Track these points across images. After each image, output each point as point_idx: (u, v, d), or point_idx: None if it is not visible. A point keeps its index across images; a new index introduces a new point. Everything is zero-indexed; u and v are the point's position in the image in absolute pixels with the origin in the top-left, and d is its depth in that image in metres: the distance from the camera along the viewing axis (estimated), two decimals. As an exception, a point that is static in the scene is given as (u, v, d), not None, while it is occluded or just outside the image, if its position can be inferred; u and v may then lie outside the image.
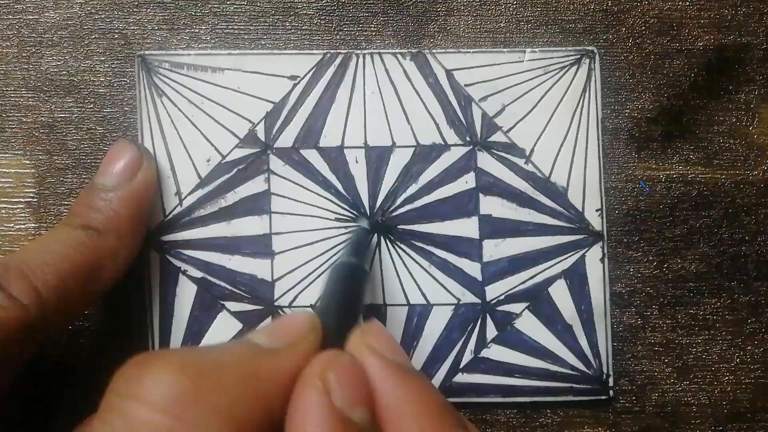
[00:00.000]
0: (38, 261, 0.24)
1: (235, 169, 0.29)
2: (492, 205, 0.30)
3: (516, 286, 0.29)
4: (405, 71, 0.30)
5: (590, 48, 0.30)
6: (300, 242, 0.29)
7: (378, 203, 0.30)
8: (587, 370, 0.29)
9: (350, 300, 0.24)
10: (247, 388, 0.19)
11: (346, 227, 0.29)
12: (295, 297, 0.29)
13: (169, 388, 0.18)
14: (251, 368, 0.19)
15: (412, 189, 0.30)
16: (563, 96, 0.30)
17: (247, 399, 0.19)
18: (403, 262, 0.29)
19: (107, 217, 0.26)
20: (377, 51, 0.30)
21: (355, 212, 0.29)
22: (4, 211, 0.30)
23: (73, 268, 0.25)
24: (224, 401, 0.18)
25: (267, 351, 0.20)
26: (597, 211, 0.30)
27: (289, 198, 0.29)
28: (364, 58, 0.30)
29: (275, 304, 0.29)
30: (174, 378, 0.18)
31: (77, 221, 0.26)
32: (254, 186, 0.29)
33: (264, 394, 0.19)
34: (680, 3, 0.30)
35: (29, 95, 0.30)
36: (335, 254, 0.29)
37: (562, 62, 0.30)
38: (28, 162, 0.30)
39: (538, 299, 0.30)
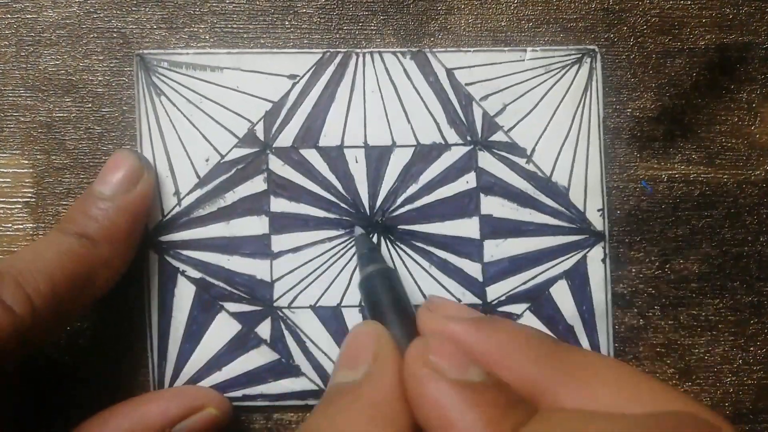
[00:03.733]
0: (31, 269, 0.24)
1: (234, 169, 0.29)
2: (493, 205, 0.29)
3: (517, 287, 0.29)
4: (405, 70, 0.29)
5: (591, 47, 0.30)
6: (299, 242, 0.29)
7: (378, 203, 0.29)
8: (589, 371, 0.29)
9: (403, 303, 0.24)
10: (380, 423, 0.20)
11: (345, 228, 0.29)
12: (295, 298, 0.29)
13: None
14: (367, 413, 0.20)
15: (413, 189, 0.29)
16: (564, 95, 0.30)
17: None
18: (404, 262, 0.29)
19: (103, 227, 0.26)
20: (377, 50, 0.30)
21: (354, 211, 0.29)
22: (2, 211, 0.29)
23: (66, 276, 0.25)
24: None
25: (362, 386, 0.21)
26: (599, 211, 0.30)
27: (288, 198, 0.29)
28: (363, 57, 0.29)
29: (274, 304, 0.29)
30: None
31: (72, 228, 0.26)
32: (253, 186, 0.29)
33: (394, 420, 0.20)
34: (682, 2, 0.30)
35: (27, 94, 0.30)
36: (335, 254, 0.29)
37: (564, 61, 0.30)
38: (26, 162, 0.30)
39: (539, 300, 0.29)
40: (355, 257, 0.29)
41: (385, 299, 0.25)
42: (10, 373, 0.25)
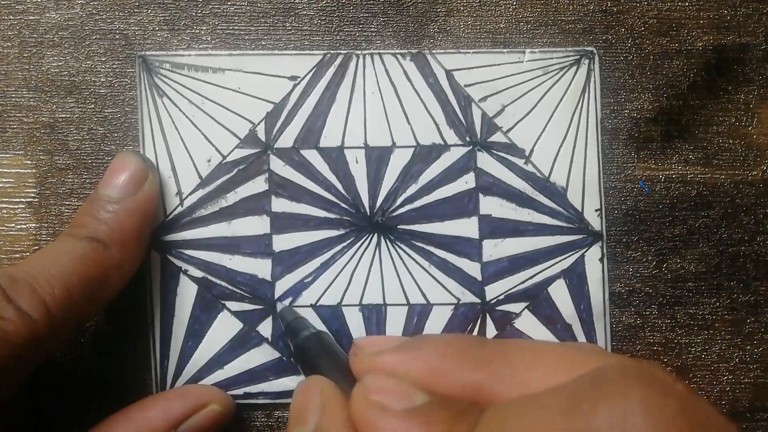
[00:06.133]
0: (45, 274, 0.24)
1: (236, 170, 0.29)
2: (492, 205, 0.30)
3: (515, 286, 0.30)
4: (405, 71, 0.30)
5: (590, 48, 0.30)
6: (300, 242, 0.29)
7: (378, 203, 0.30)
8: (586, 370, 0.29)
9: (340, 358, 0.25)
10: None
11: (346, 228, 0.30)
12: (296, 297, 0.29)
13: None
14: None
15: (412, 189, 0.30)
16: (563, 96, 0.30)
17: None
18: (403, 262, 0.29)
19: (113, 230, 0.26)
20: (377, 51, 0.30)
21: (354, 211, 0.30)
22: (5, 211, 0.30)
23: (80, 280, 0.25)
24: None
25: None
26: (596, 211, 0.30)
27: (289, 198, 0.29)
28: (364, 58, 0.30)
29: (275, 303, 0.29)
30: None
31: (82, 232, 0.26)
32: (255, 186, 0.29)
33: None
34: (679, 3, 0.31)
35: (30, 95, 0.30)
36: (335, 254, 0.29)
37: (562, 63, 0.30)
38: (29, 162, 0.30)
39: (537, 299, 0.30)
40: (355, 257, 0.29)
41: (323, 359, 0.25)
42: (23, 380, 0.25)
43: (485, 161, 0.30)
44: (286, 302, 0.29)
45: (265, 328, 0.29)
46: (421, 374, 0.21)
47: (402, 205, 0.30)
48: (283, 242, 0.29)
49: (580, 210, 0.30)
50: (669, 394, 0.16)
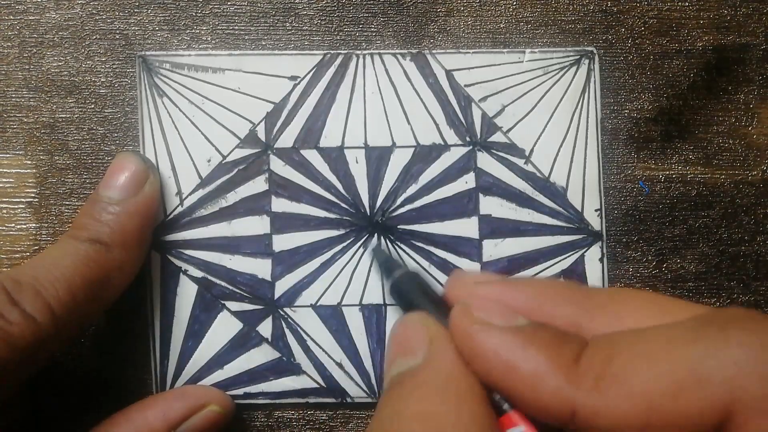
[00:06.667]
0: (49, 277, 0.24)
1: (236, 170, 0.29)
2: (492, 205, 0.30)
3: (515, 286, 0.30)
4: (405, 71, 0.30)
5: (590, 48, 0.30)
6: (300, 242, 0.29)
7: (378, 203, 0.30)
8: (586, 370, 0.29)
9: (436, 296, 0.24)
10: (453, 398, 0.19)
11: (346, 228, 0.30)
12: (296, 297, 0.29)
13: None
14: (438, 392, 0.19)
15: (412, 189, 0.30)
16: (563, 96, 0.30)
17: (468, 411, 0.19)
18: (403, 261, 0.29)
19: (115, 231, 0.26)
20: (377, 51, 0.30)
21: (354, 211, 0.30)
22: (5, 211, 0.30)
23: (83, 282, 0.25)
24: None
25: (425, 368, 0.20)
26: (596, 211, 0.30)
27: (289, 198, 0.29)
28: (364, 58, 0.30)
29: (275, 303, 0.29)
30: None
31: (84, 234, 0.26)
32: (254, 186, 0.29)
33: (465, 395, 0.19)
34: (679, 3, 0.31)
35: (30, 95, 0.30)
36: (335, 254, 0.29)
37: (562, 63, 0.30)
38: (29, 162, 0.30)
39: (537, 299, 0.30)
40: (355, 257, 0.29)
41: (419, 297, 0.24)
42: (24, 380, 0.25)
43: (485, 161, 0.30)
44: (374, 240, 0.29)
45: (265, 328, 0.29)
46: (520, 306, 0.21)
47: (402, 205, 0.30)
48: (283, 242, 0.29)
49: (580, 210, 0.30)
50: None
